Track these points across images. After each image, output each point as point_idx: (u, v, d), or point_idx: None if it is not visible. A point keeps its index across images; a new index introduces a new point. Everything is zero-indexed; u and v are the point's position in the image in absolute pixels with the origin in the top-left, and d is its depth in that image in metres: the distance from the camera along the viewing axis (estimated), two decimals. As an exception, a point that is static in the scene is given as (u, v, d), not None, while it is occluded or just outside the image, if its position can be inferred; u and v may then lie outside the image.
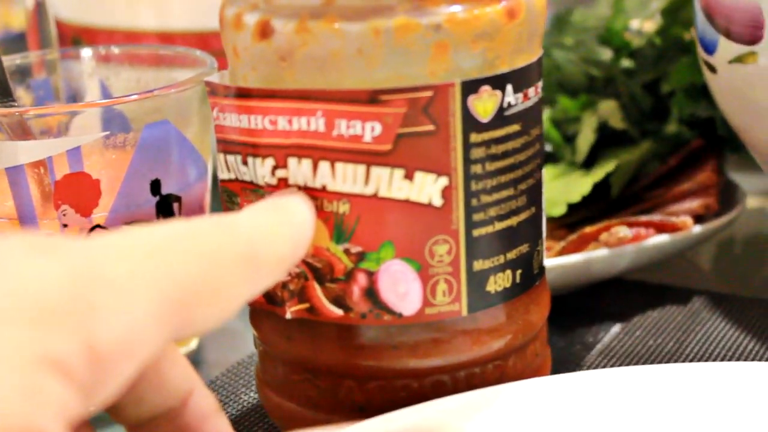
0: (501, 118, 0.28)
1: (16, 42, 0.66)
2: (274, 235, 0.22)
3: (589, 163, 0.47)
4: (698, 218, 0.42)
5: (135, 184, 0.36)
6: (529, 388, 0.29)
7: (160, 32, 0.56)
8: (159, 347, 0.18)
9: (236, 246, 0.20)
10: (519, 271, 0.30)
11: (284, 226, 0.23)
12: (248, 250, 0.21)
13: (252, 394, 0.37)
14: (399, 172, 0.27)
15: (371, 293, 0.28)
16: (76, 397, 0.16)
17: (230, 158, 0.29)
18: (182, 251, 0.19)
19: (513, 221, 0.29)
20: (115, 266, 0.17)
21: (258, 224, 0.22)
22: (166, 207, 0.37)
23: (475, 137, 0.27)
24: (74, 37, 0.58)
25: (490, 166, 0.28)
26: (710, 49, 0.40)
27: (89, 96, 0.44)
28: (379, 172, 0.27)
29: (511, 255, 0.29)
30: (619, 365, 0.38)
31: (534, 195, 0.30)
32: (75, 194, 0.35)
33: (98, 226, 0.36)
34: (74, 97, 0.44)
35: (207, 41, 0.51)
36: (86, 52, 0.44)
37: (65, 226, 0.35)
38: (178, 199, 0.37)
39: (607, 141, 0.48)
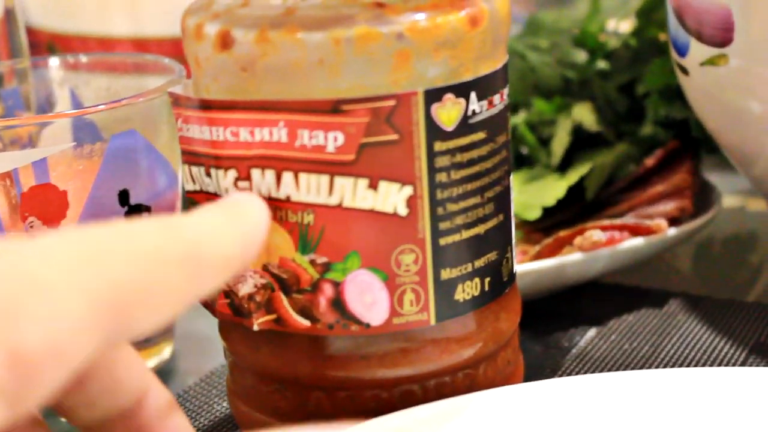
0: (466, 126, 0.27)
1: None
2: (221, 235, 0.21)
3: (564, 166, 0.47)
4: (674, 220, 0.42)
5: (103, 194, 0.36)
6: (500, 397, 0.29)
7: (134, 38, 0.56)
8: (93, 352, 0.17)
9: (177, 246, 0.20)
10: (488, 279, 0.29)
11: (233, 226, 0.22)
12: (190, 250, 0.20)
13: (225, 404, 0.37)
14: (363, 182, 0.26)
15: (338, 304, 0.28)
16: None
17: (195, 170, 0.29)
18: (118, 253, 0.18)
19: (480, 229, 0.29)
20: (46, 270, 0.17)
21: (204, 224, 0.21)
22: (136, 217, 0.37)
23: (439, 146, 0.27)
24: (48, 43, 0.57)
25: (456, 175, 0.27)
26: (682, 52, 0.39)
27: (60, 105, 0.43)
28: (343, 182, 0.26)
29: (480, 263, 0.29)
30: (595, 370, 0.38)
31: (502, 202, 0.30)
32: (42, 206, 0.35)
33: (66, 237, 0.35)
34: (45, 106, 0.44)
35: (181, 48, 0.51)
36: (55, 61, 0.43)
37: (32, 238, 0.35)
38: (147, 209, 0.37)
39: (582, 143, 0.48)
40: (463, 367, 0.30)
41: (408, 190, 0.27)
